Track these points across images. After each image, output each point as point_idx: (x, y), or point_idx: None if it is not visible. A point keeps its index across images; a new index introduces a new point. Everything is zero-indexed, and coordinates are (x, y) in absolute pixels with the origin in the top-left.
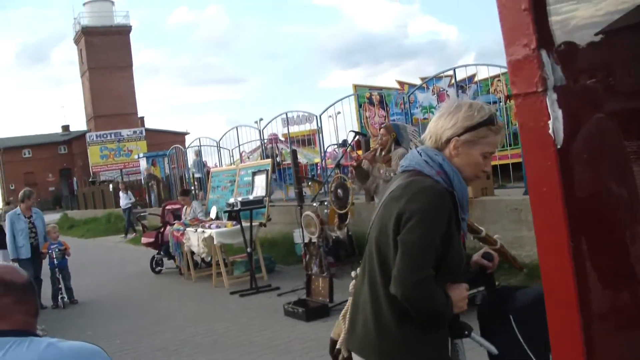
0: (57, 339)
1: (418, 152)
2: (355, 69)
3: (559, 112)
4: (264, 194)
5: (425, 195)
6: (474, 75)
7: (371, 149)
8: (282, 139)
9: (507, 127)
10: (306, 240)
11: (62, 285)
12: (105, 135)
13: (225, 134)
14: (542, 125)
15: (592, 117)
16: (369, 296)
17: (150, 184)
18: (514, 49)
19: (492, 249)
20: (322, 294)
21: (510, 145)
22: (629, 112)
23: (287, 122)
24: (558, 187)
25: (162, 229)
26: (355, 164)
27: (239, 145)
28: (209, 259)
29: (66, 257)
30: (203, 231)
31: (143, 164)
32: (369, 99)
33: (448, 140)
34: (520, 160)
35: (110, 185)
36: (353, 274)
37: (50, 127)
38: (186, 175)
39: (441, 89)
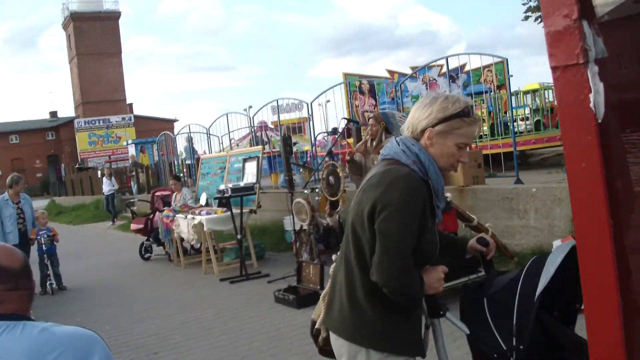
0: (51, 323)
1: (397, 141)
2: (346, 58)
3: (600, 85)
4: (254, 180)
5: (401, 184)
6: (464, 65)
7: (362, 139)
8: (272, 126)
9: (497, 116)
10: (297, 228)
11: (50, 272)
12: (93, 122)
13: (215, 120)
14: (582, 98)
15: (634, 91)
16: (344, 277)
17: (133, 173)
18: (553, 20)
19: None
20: (312, 281)
21: (500, 135)
22: None
23: (277, 109)
24: (598, 164)
25: (152, 216)
26: (348, 157)
27: (229, 132)
28: (199, 245)
29: (55, 243)
30: (193, 218)
31: (132, 150)
32: (358, 87)
33: (423, 131)
34: (511, 149)
35: (99, 172)
36: (334, 257)
37: (38, 113)
38: (175, 162)
39: (431, 79)
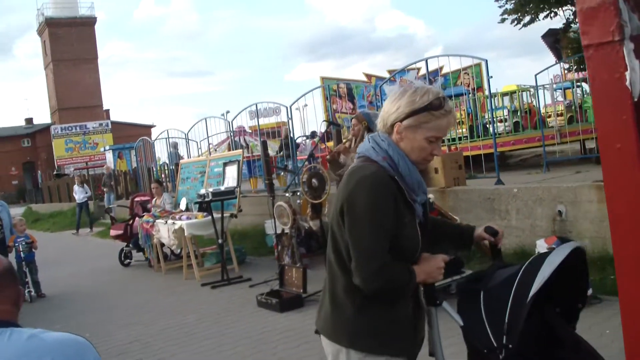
0: (39, 330)
1: (368, 139)
2: (322, 62)
3: (637, 63)
4: (235, 184)
5: (364, 184)
6: (441, 68)
7: (344, 140)
8: (249, 131)
9: (475, 118)
10: (278, 231)
11: (29, 279)
12: (70, 128)
13: (193, 125)
14: (618, 77)
15: None
16: (328, 277)
17: (111, 183)
18: None
19: None
20: (295, 285)
21: (480, 137)
22: None
23: (256, 113)
24: (634, 144)
25: (131, 221)
26: (328, 157)
27: (208, 137)
28: (179, 251)
29: (33, 250)
30: (173, 223)
31: (109, 156)
32: (336, 91)
33: (393, 125)
34: (491, 151)
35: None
36: None
37: (13, 120)
38: (154, 168)
39: (409, 81)
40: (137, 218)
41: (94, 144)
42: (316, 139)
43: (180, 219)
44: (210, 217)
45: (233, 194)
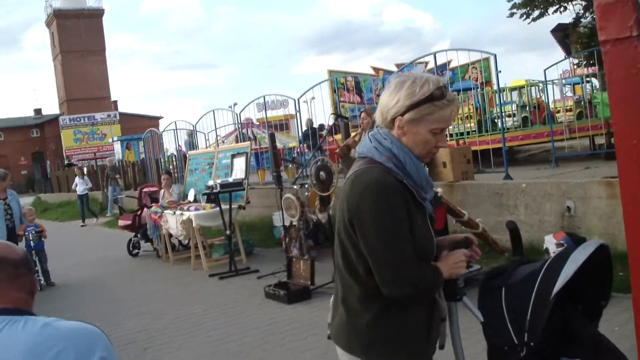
0: (53, 318)
1: (369, 137)
2: (329, 55)
3: None
4: (243, 176)
5: (371, 196)
6: (449, 62)
7: (352, 134)
8: (257, 123)
9: (484, 113)
10: (286, 223)
11: (38, 268)
12: (78, 119)
13: (201, 117)
14: (635, 72)
15: None
16: (340, 285)
17: (112, 176)
18: None
19: (473, 232)
20: (303, 277)
21: (488, 131)
22: None
23: (264, 105)
24: None
25: (140, 212)
26: (337, 151)
27: (216, 129)
28: (187, 241)
29: (42, 239)
30: (182, 213)
31: (117, 147)
32: (344, 84)
33: (393, 120)
34: (500, 145)
35: (85, 169)
36: None
37: (22, 110)
38: (162, 160)
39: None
40: (145, 208)
41: (102, 135)
42: (325, 133)
43: (188, 209)
44: (218, 208)
45: (241, 186)
